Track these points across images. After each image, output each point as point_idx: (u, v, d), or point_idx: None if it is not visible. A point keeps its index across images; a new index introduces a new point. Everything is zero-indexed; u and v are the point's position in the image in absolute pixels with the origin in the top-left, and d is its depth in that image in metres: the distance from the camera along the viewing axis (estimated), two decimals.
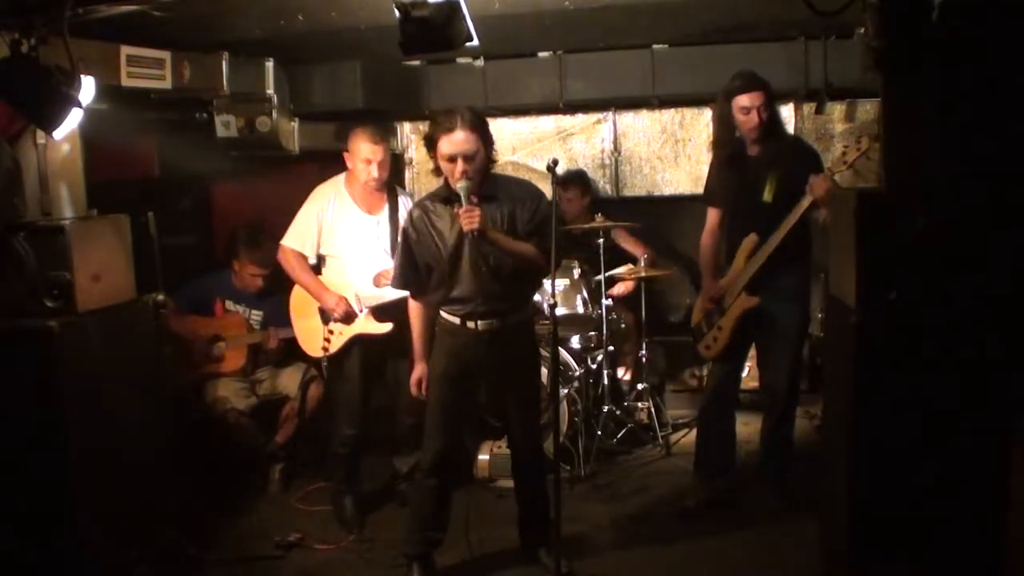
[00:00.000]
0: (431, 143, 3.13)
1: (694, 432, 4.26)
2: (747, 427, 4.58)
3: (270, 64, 4.48)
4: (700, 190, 4.16)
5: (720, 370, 3.98)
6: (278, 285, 4.53)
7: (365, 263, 3.89)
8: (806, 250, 3.79)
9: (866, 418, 2.66)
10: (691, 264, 5.29)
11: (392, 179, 4.01)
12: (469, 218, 2.99)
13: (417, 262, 3.29)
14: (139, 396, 3.31)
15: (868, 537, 2.69)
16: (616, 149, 5.40)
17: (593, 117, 5.39)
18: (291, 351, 4.49)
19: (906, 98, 2.64)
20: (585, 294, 4.75)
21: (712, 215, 3.96)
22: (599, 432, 4.56)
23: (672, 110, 5.29)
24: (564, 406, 4.35)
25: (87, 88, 3.00)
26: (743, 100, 3.63)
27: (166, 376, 3.69)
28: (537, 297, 4.19)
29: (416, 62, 4.98)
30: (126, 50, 3.52)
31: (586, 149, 5.45)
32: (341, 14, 3.65)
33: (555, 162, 3.05)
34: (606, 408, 4.69)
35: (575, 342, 4.78)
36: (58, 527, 2.94)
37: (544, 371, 3.88)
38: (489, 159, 3.18)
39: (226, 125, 4.55)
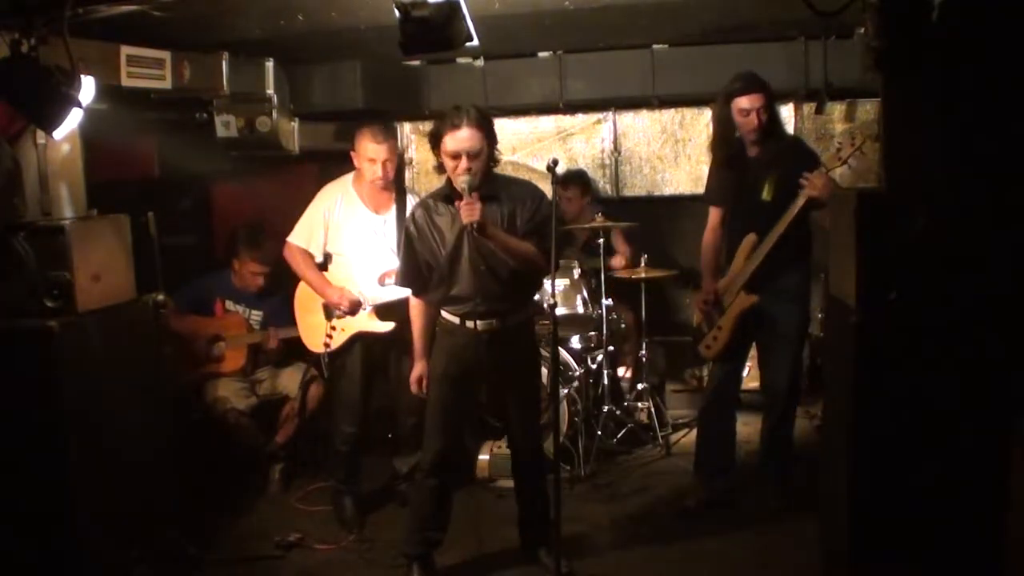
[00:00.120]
0: (436, 139, 3.13)
1: (694, 432, 4.27)
2: (747, 427, 4.58)
3: (270, 64, 4.48)
4: (700, 190, 4.16)
5: (720, 370, 3.98)
6: (278, 285, 4.53)
7: (371, 262, 3.89)
8: (806, 250, 3.79)
9: (866, 418, 2.66)
10: (691, 264, 5.30)
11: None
12: (469, 210, 2.98)
13: (418, 260, 3.29)
14: (139, 396, 3.31)
15: (868, 537, 2.69)
16: (616, 149, 5.40)
17: (593, 117, 5.39)
18: (291, 351, 4.50)
19: (906, 98, 2.64)
20: (585, 294, 4.75)
21: (713, 214, 3.96)
22: (599, 432, 4.56)
23: (672, 110, 5.29)
24: (564, 406, 4.35)
25: (87, 88, 2.99)
26: (743, 102, 3.63)
27: (166, 376, 3.69)
28: (537, 297, 4.20)
29: (416, 62, 4.99)
30: (126, 50, 3.52)
31: (586, 149, 5.45)
32: (341, 14, 3.66)
33: (555, 162, 3.04)
34: (606, 408, 4.68)
35: (575, 342, 4.78)
36: (58, 527, 2.94)
37: (544, 371, 3.88)
38: (492, 159, 3.18)
39: (226, 125, 4.55)
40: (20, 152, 3.06)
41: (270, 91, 4.50)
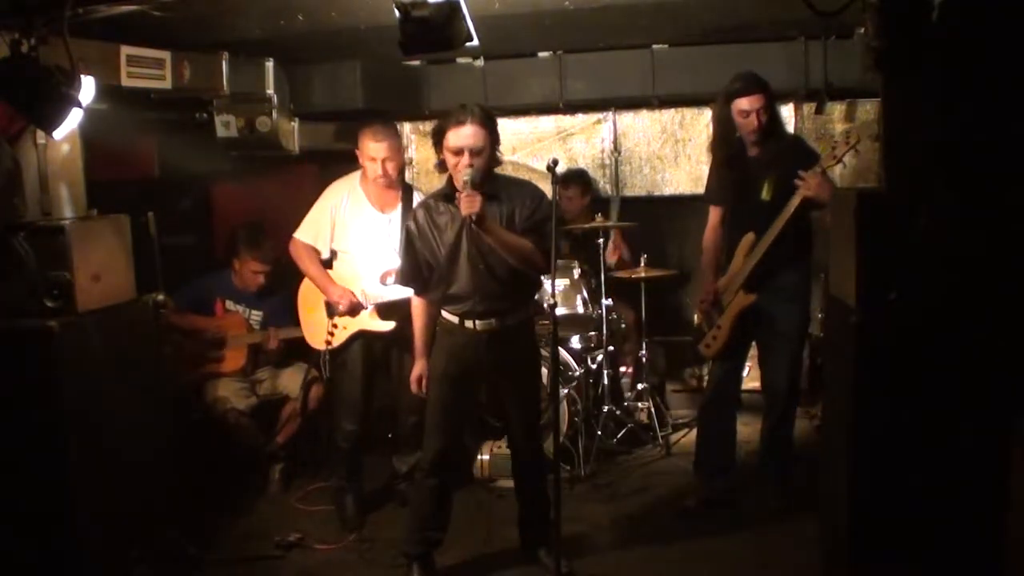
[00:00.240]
0: (439, 135, 3.13)
1: (694, 432, 4.27)
2: (747, 427, 4.58)
3: (270, 64, 4.48)
4: (700, 190, 4.16)
5: (720, 370, 3.98)
6: (279, 285, 4.54)
7: (375, 260, 3.90)
8: (806, 250, 3.79)
9: (866, 418, 2.66)
10: (691, 264, 5.30)
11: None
12: (469, 201, 2.98)
13: (419, 260, 3.29)
14: (139, 396, 3.31)
15: (868, 537, 2.69)
16: (616, 149, 5.40)
17: (593, 117, 5.39)
18: (291, 351, 4.50)
19: (906, 98, 2.64)
20: (585, 294, 4.75)
21: (713, 214, 3.96)
22: (599, 432, 4.56)
23: (672, 110, 5.29)
24: (564, 406, 4.35)
25: (87, 88, 2.99)
26: (743, 103, 3.63)
27: (166, 376, 3.69)
28: (537, 297, 4.20)
29: (416, 62, 4.99)
30: (126, 50, 3.52)
31: (586, 149, 5.46)
32: (341, 14, 3.66)
33: (555, 162, 3.05)
34: (606, 408, 4.69)
35: (575, 342, 4.78)
36: (58, 527, 2.94)
37: (544, 371, 3.88)
38: (494, 159, 3.18)
39: (226, 125, 4.55)
40: (20, 152, 3.06)
41: (270, 91, 4.50)
